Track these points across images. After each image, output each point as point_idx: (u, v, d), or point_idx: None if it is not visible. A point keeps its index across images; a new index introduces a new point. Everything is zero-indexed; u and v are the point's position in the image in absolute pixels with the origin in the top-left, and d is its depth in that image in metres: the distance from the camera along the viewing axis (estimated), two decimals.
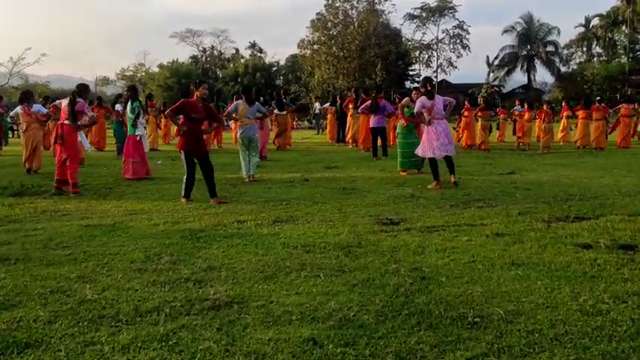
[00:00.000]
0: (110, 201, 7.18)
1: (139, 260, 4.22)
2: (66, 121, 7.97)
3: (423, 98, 7.84)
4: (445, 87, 53.10)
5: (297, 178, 9.20)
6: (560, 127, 16.52)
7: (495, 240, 4.72)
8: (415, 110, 8.03)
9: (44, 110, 11.69)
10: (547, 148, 14.10)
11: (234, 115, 9.50)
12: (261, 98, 12.57)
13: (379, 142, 12.47)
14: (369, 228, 5.28)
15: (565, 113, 16.21)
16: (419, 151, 8.11)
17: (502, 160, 12.04)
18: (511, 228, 5.17)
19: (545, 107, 15.18)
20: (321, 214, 6.01)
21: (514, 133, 16.99)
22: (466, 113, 15.11)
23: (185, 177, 7.03)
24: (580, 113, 15.30)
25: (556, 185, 8.00)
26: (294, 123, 38.45)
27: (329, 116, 19.32)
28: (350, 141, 16.30)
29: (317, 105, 31.85)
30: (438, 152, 7.75)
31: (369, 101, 12.43)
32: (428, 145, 7.84)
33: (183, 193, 7.04)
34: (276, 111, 15.14)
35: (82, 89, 8.37)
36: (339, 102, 18.11)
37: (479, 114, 14.57)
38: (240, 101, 9.43)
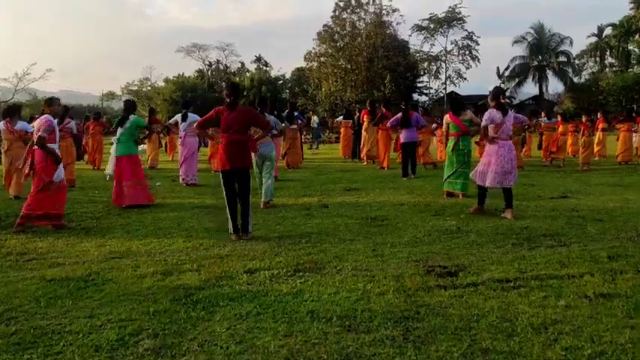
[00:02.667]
0: (93, 238, 5.94)
1: (107, 347, 2.95)
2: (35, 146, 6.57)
3: (494, 112, 6.60)
4: (414, 106, 51.68)
5: (315, 204, 7.94)
6: (596, 141, 15.19)
7: (605, 305, 3.42)
8: (483, 123, 6.77)
9: (30, 128, 10.48)
10: (587, 164, 12.77)
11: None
12: (275, 112, 11.37)
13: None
14: (420, 281, 3.99)
15: (601, 125, 14.89)
16: (475, 176, 6.83)
17: (543, 179, 10.71)
18: (614, 284, 3.87)
19: (584, 119, 13.85)
20: (353, 259, 4.73)
21: (539, 147, 15.70)
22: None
23: (226, 206, 5.79)
24: (622, 126, 13.98)
25: (630, 214, 6.69)
26: (303, 137, 37.49)
27: (342, 130, 18.07)
28: (365, 157, 15.05)
29: (315, 119, 30.69)
30: (494, 182, 6.53)
31: (399, 115, 11.25)
32: (484, 170, 6.58)
33: (230, 229, 5.77)
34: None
35: (48, 102, 7.04)
36: (356, 115, 16.90)
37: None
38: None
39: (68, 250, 5.37)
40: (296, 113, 14.76)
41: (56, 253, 5.21)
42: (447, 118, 8.37)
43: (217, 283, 4.06)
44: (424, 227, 6.04)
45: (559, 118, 14.88)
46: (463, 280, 4.05)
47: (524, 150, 16.12)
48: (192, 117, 10.89)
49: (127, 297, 3.75)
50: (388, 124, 11.78)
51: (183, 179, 10.87)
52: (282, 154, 14.17)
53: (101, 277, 4.28)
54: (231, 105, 5.72)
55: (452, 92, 55.04)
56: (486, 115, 6.63)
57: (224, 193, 5.76)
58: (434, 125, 14.36)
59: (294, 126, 14.20)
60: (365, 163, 14.96)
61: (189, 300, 3.66)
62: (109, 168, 8.18)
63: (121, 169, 8.06)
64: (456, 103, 8.59)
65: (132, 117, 8.17)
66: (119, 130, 8.16)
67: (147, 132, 9.55)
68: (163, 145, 19.88)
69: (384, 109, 13.65)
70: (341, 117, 18.79)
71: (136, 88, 60.26)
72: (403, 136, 11.16)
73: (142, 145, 18.34)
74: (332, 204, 7.91)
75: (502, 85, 56.95)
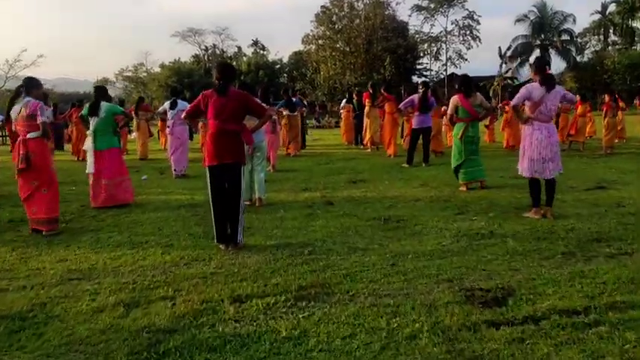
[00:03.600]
0: (55, 249, 4.96)
1: None
2: (30, 134, 5.54)
3: (533, 87, 5.43)
4: (455, 80, 50.75)
5: (318, 200, 6.98)
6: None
7: None
8: (514, 102, 5.64)
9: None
10: (610, 147, 11.75)
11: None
12: (271, 98, 10.35)
13: (419, 145, 10.35)
14: (461, 315, 3.04)
15: (621, 105, 13.82)
16: (523, 167, 5.57)
17: (568, 166, 9.67)
18: None
19: (607, 98, 12.76)
20: (369, 278, 3.77)
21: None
22: (507, 108, 12.79)
23: (212, 209, 4.78)
24: None
25: None
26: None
27: (344, 114, 17.05)
28: (368, 143, 14.04)
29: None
30: (530, 171, 5.50)
31: (414, 96, 10.22)
32: (526, 159, 5.58)
33: (215, 237, 4.78)
34: (286, 112, 12.89)
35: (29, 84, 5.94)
36: (355, 99, 15.85)
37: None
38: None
39: (19, 267, 4.41)
40: (295, 99, 13.67)
41: (3, 273, 4.25)
42: (456, 100, 7.37)
43: (195, 322, 3.10)
44: (449, 231, 5.07)
45: (578, 98, 13.86)
46: (516, 311, 3.09)
47: None
48: (182, 104, 9.94)
49: (69, 348, 2.79)
50: (401, 106, 10.69)
51: (174, 170, 10.00)
52: (287, 144, 13.17)
53: (46, 312, 3.32)
54: (221, 89, 4.71)
55: (452, 74, 53.91)
56: (522, 91, 5.49)
57: (210, 193, 4.79)
58: (443, 108, 13.34)
59: (296, 113, 13.15)
60: (369, 149, 13.97)
61: (153, 353, 2.70)
62: (89, 166, 7.15)
63: (101, 166, 7.06)
64: (467, 84, 7.50)
65: (105, 104, 7.16)
66: (93, 121, 7.14)
67: (125, 119, 8.59)
68: (155, 134, 18.83)
69: (385, 93, 12.62)
70: (344, 101, 17.60)
71: (130, 73, 58.87)
72: (417, 121, 10.17)
73: (133, 134, 17.41)
74: (337, 200, 6.94)
75: (504, 66, 55.85)
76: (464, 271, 3.88)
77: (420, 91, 10.19)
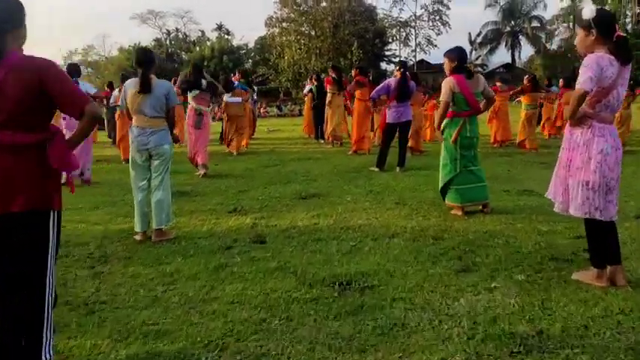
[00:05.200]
0: None
1: None
2: None
3: (604, 59, 3.06)
4: (425, 67, 49.01)
5: (245, 231, 4.64)
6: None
7: None
8: (584, 85, 3.03)
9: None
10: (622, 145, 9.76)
11: (122, 109, 4.95)
12: (204, 80, 7.85)
13: (393, 143, 8.09)
14: None
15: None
16: (575, 203, 3.23)
17: None
18: None
19: None
20: None
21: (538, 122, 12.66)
22: (497, 97, 10.64)
23: None
24: None
25: None
26: (262, 110, 33.71)
27: (306, 104, 14.54)
28: (330, 138, 11.70)
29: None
30: (581, 209, 3.18)
31: (390, 81, 7.91)
32: (579, 188, 3.19)
33: None
34: (226, 98, 10.40)
35: None
36: (313, 84, 13.42)
37: (523, 99, 10.05)
38: (129, 81, 4.68)
39: None
40: (236, 82, 11.03)
41: None
42: (452, 84, 4.95)
43: None
44: (456, 323, 2.78)
45: (561, 84, 11.90)
46: None
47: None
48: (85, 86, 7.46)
49: None
50: (374, 94, 8.19)
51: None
52: (227, 139, 10.69)
53: None
54: None
55: (421, 60, 52.17)
56: (591, 66, 3.02)
57: None
58: (426, 96, 11.07)
59: (237, 99, 10.62)
60: (330, 145, 11.64)
61: None
62: None
63: None
64: (465, 60, 5.22)
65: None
66: None
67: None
68: None
69: (359, 77, 10.26)
70: (308, 87, 14.39)
71: (79, 57, 54.67)
72: (394, 113, 7.80)
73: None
74: (274, 233, 4.60)
75: (474, 53, 54.29)
76: None
77: (397, 73, 7.85)
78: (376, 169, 7.87)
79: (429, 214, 5.15)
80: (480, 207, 5.15)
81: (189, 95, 7.80)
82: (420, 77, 12.86)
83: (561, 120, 11.46)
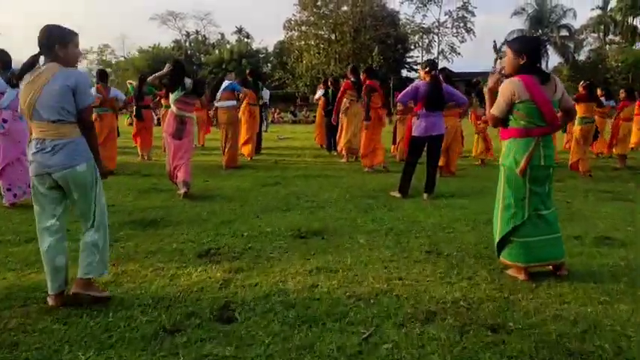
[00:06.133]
0: None
1: None
2: None
3: None
4: (447, 75, 47.34)
5: (208, 296, 3.13)
6: None
7: None
8: None
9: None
10: None
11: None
12: (188, 80, 6.38)
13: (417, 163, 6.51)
14: None
15: None
16: None
17: None
18: None
19: None
20: None
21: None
22: None
23: None
24: None
25: None
26: (276, 115, 32.32)
27: (319, 110, 12.96)
28: (343, 151, 10.17)
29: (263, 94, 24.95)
30: None
31: (419, 84, 6.31)
32: None
33: None
34: (218, 104, 8.93)
35: None
36: (331, 88, 11.92)
37: (580, 112, 8.34)
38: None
39: None
40: (226, 83, 9.34)
41: None
42: (517, 88, 3.41)
43: None
44: None
45: (622, 96, 10.27)
46: None
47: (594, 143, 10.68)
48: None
49: None
50: (400, 99, 6.55)
51: None
52: (223, 149, 9.16)
53: None
54: None
55: (444, 68, 50.34)
56: None
57: None
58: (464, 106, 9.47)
59: (228, 103, 9.04)
60: (345, 159, 10.12)
61: None
62: None
63: None
64: (538, 54, 3.59)
65: None
66: None
67: None
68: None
69: (369, 81, 8.75)
70: (320, 92, 12.72)
71: (95, 55, 54.01)
72: (422, 125, 6.21)
73: None
74: (249, 301, 3.09)
75: (499, 62, 52.38)
76: None
77: (424, 75, 6.28)
78: (398, 195, 6.33)
79: (476, 274, 3.58)
80: (551, 267, 3.58)
81: (171, 97, 6.37)
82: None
83: (616, 139, 9.80)
